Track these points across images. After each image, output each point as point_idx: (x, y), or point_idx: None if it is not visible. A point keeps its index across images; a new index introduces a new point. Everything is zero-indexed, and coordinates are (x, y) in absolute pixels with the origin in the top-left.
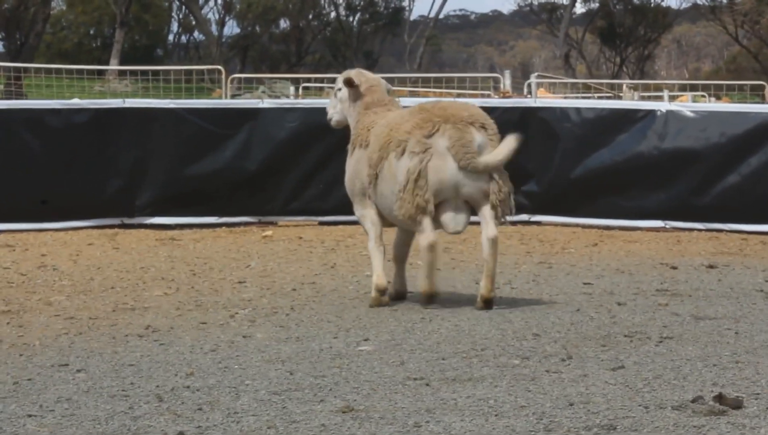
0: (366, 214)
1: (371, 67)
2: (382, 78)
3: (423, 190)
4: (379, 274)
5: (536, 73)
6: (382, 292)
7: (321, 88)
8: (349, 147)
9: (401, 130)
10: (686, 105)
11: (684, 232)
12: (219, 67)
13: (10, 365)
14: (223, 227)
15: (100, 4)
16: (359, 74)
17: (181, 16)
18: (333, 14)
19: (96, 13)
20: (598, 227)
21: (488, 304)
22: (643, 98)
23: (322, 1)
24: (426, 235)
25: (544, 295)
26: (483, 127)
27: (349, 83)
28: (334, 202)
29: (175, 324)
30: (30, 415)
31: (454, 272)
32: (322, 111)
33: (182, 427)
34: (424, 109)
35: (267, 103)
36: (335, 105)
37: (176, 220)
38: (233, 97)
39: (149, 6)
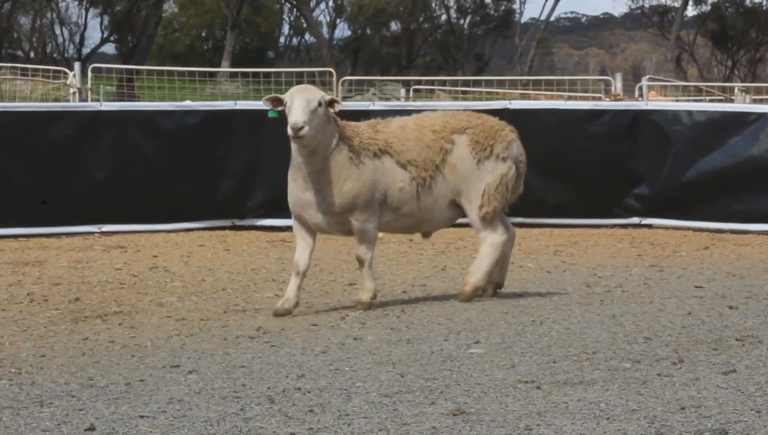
0: (375, 223)
1: (482, 69)
2: (493, 79)
3: (509, 192)
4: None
5: (647, 76)
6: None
7: (431, 91)
8: (346, 159)
9: (483, 135)
10: None
11: None
12: (330, 69)
13: (122, 366)
14: None
15: (212, 7)
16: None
17: (292, 18)
18: (444, 17)
19: (208, 16)
20: (710, 230)
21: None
22: (754, 101)
23: (433, 4)
24: (500, 232)
25: (655, 298)
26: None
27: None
28: None
29: (286, 326)
30: (142, 416)
31: (565, 275)
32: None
33: (293, 429)
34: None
35: (378, 105)
36: (312, 120)
37: (287, 221)
38: (344, 99)
39: (261, 8)
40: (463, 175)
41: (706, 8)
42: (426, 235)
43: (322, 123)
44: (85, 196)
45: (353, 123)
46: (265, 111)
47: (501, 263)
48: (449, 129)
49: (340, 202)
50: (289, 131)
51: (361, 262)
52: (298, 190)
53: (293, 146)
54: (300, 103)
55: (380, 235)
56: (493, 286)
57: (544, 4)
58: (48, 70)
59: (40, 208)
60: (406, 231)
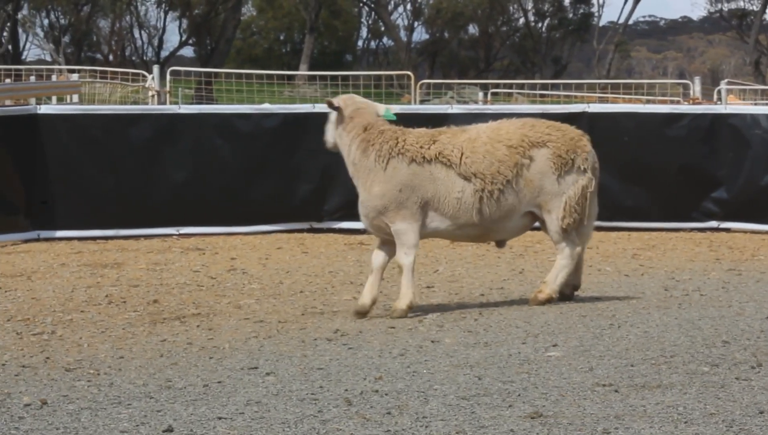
0: (414, 227)
1: (560, 73)
2: (572, 83)
3: (589, 203)
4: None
5: (726, 80)
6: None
7: (509, 94)
8: (374, 162)
9: (564, 148)
10: None
11: None
12: (408, 72)
13: (200, 368)
14: None
15: (291, 11)
16: (349, 98)
17: (370, 22)
18: (522, 20)
19: (286, 19)
20: None
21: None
22: None
23: (511, 8)
24: (577, 242)
25: (733, 302)
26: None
27: (330, 105)
28: None
29: (364, 328)
30: (220, 418)
31: (642, 278)
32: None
33: (371, 431)
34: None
35: (456, 108)
36: (330, 129)
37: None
38: (422, 102)
39: (339, 12)
40: (542, 188)
41: None
42: (499, 243)
43: (333, 129)
44: (164, 198)
45: (400, 129)
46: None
47: (576, 266)
48: (527, 143)
49: (370, 204)
50: None
51: (399, 267)
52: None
53: None
54: None
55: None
56: (571, 288)
57: (623, 8)
58: (127, 73)
59: (120, 210)
60: (474, 240)
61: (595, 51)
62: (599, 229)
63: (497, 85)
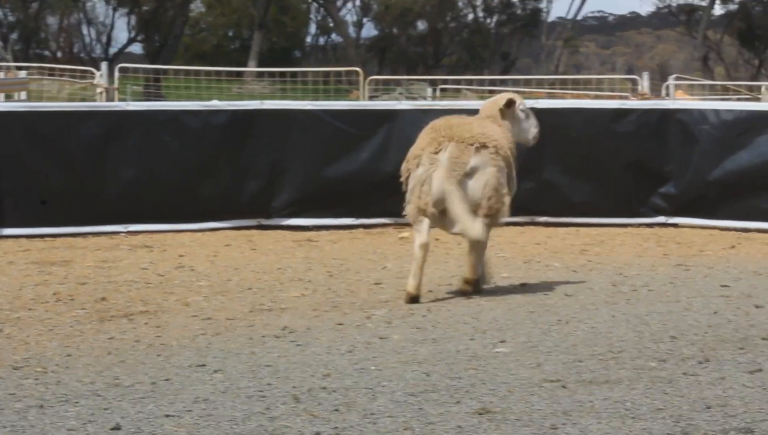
0: None
1: (508, 68)
2: (520, 79)
3: (426, 195)
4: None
5: (674, 75)
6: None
7: (458, 90)
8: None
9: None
10: None
11: None
12: (357, 68)
13: (148, 365)
14: (360, 229)
15: (239, 7)
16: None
17: (318, 18)
18: (471, 16)
19: (234, 16)
20: (736, 229)
21: (470, 284)
22: None
23: (460, 3)
24: (420, 235)
25: (681, 297)
26: (483, 147)
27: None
28: None
29: (312, 325)
30: (168, 415)
31: (591, 274)
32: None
33: (319, 428)
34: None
35: (404, 104)
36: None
37: (313, 221)
38: (371, 98)
39: (287, 8)
40: None
41: (733, 7)
42: None
43: None
44: (112, 195)
45: None
46: (292, 110)
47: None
48: None
49: None
50: (538, 136)
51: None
52: None
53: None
54: None
55: (407, 234)
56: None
57: (571, 3)
58: (75, 70)
59: (68, 207)
60: None
61: (544, 47)
62: (548, 224)
63: (446, 81)
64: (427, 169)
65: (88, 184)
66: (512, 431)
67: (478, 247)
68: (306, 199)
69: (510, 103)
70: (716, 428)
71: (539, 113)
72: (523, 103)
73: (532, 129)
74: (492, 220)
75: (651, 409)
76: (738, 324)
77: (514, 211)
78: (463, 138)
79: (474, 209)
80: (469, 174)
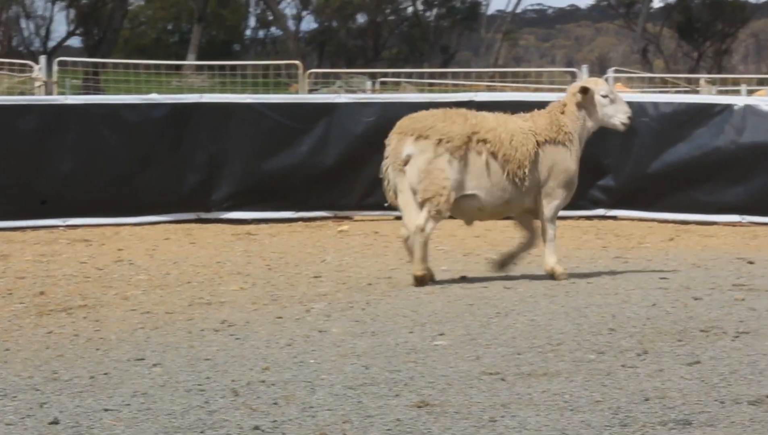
0: None
1: (448, 62)
2: (460, 72)
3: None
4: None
5: (613, 68)
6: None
7: (398, 83)
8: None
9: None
10: (764, 99)
11: (761, 227)
12: (296, 62)
13: (86, 359)
14: (299, 222)
15: (178, 0)
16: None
17: (258, 11)
18: (410, 9)
19: (174, 9)
20: (675, 222)
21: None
22: (720, 93)
23: None
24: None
25: (620, 289)
26: (422, 137)
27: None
28: None
29: (251, 318)
30: (106, 409)
31: (530, 266)
32: (399, 106)
33: (258, 421)
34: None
35: (344, 97)
36: None
37: (252, 214)
38: (310, 91)
39: (227, 1)
40: None
41: (672, 0)
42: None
43: None
44: (51, 189)
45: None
46: (231, 103)
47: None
48: None
49: None
50: (629, 120)
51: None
52: None
53: (589, 134)
54: None
55: (346, 227)
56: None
57: None
58: (14, 64)
59: (6, 201)
60: None
61: (483, 40)
62: None
63: (386, 74)
64: (385, 163)
65: (26, 178)
66: (451, 424)
67: (415, 238)
68: (245, 192)
69: (585, 90)
70: (654, 420)
71: (479, 106)
72: (606, 89)
73: (618, 114)
74: (431, 207)
75: (589, 402)
76: (676, 316)
77: None
78: (405, 129)
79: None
80: (407, 162)
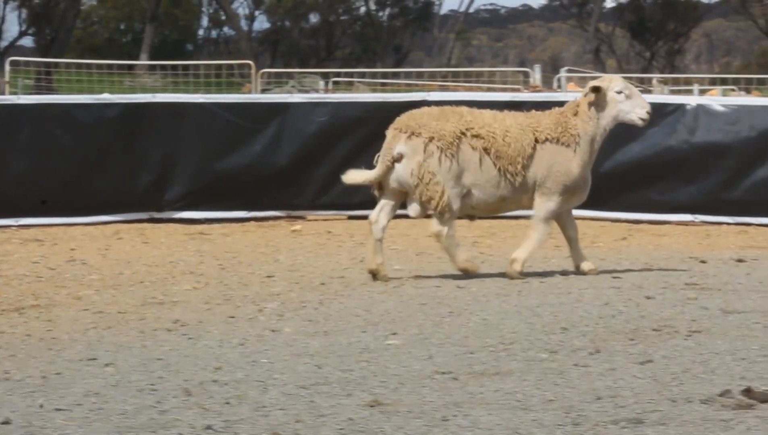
0: None
1: (401, 61)
2: (413, 71)
3: None
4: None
5: (566, 68)
6: None
7: (350, 83)
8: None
9: None
10: (716, 99)
11: (713, 226)
12: (249, 61)
13: (38, 359)
14: (252, 221)
15: (131, 0)
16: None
17: (211, 11)
18: (363, 9)
19: (126, 9)
20: (627, 221)
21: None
22: (673, 92)
23: None
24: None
25: (572, 289)
26: (414, 135)
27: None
28: (363, 197)
29: (204, 318)
30: (58, 409)
31: (482, 266)
32: (352, 105)
33: (210, 421)
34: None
35: (297, 97)
36: None
37: (205, 214)
38: (263, 91)
39: (179, 1)
40: None
41: (624, 0)
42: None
43: None
44: (3, 189)
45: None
46: (182, 104)
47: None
48: None
49: None
50: (647, 115)
51: None
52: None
53: (605, 132)
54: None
55: (299, 227)
56: None
57: None
58: None
59: None
60: None
61: (436, 39)
62: None
63: (338, 74)
64: (378, 155)
65: None
66: (403, 423)
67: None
68: (198, 192)
69: (597, 89)
70: (606, 419)
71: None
72: (620, 85)
73: (636, 109)
74: (434, 210)
75: (542, 401)
76: (629, 315)
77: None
78: (400, 126)
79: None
80: (398, 160)
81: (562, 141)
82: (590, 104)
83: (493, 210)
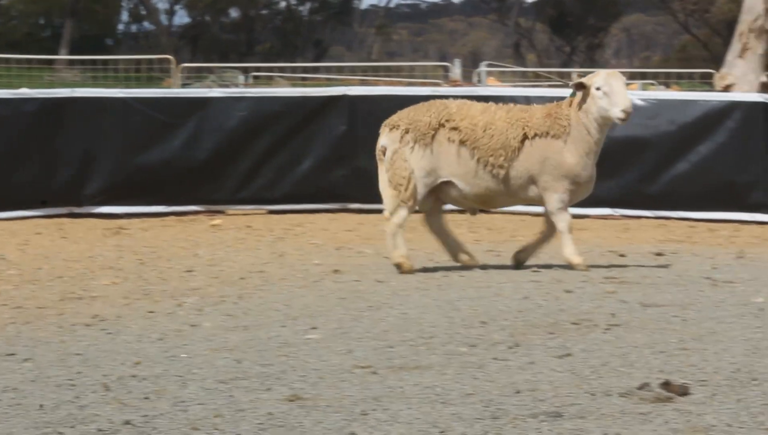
0: None
1: (321, 56)
2: (333, 66)
3: None
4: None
5: (486, 62)
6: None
7: (271, 77)
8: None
9: None
10: (636, 93)
11: (632, 220)
12: (169, 56)
13: None
14: (172, 216)
15: None
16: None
17: (130, 5)
18: (283, 3)
19: (45, 3)
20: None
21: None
22: None
23: None
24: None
25: (492, 282)
26: (394, 127)
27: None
28: (283, 191)
29: (123, 313)
30: None
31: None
32: (272, 100)
33: (129, 416)
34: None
35: (216, 92)
36: None
37: (124, 209)
38: (183, 86)
39: None
40: None
41: None
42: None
43: None
44: None
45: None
46: (101, 99)
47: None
48: None
49: None
50: (622, 114)
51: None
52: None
53: (598, 125)
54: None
55: (218, 222)
56: None
57: None
58: None
59: None
60: None
61: (357, 34)
62: (360, 211)
63: (259, 69)
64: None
65: None
66: (323, 417)
67: (388, 226)
68: (117, 187)
69: (581, 86)
70: (525, 412)
71: (351, 101)
72: (600, 82)
73: (612, 108)
74: (396, 196)
75: (461, 394)
76: (548, 309)
77: (327, 197)
78: (387, 121)
79: None
80: (384, 152)
81: (552, 133)
82: (580, 100)
83: (486, 202)
